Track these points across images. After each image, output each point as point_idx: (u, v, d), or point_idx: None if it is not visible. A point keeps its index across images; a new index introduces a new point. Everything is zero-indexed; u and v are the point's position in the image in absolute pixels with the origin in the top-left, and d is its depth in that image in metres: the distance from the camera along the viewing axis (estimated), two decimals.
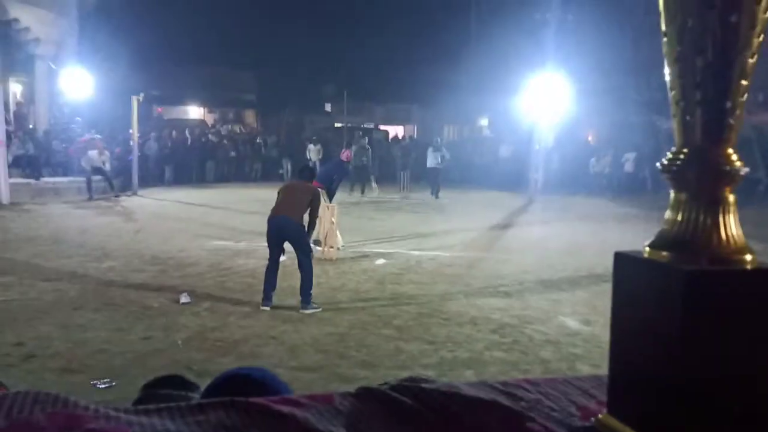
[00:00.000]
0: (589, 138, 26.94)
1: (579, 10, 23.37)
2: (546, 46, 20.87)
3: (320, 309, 7.00)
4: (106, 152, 17.33)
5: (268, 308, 6.97)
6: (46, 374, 5.06)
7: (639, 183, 22.03)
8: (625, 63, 24.94)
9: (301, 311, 6.89)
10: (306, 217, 7.28)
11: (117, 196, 16.69)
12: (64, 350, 5.60)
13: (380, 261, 9.61)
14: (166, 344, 5.82)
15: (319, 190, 7.98)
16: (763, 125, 19.74)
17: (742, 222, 0.84)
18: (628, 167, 22.35)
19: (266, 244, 7.27)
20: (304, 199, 7.22)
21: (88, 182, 16.63)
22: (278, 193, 7.45)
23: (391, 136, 31.48)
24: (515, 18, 24.24)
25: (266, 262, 7.18)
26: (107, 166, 17.31)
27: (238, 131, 30.49)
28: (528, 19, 22.69)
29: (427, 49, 32.02)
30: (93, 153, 16.96)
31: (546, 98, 19.60)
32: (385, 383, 1.18)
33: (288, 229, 7.10)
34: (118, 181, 18.70)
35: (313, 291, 7.09)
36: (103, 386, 4.81)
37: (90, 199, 16.09)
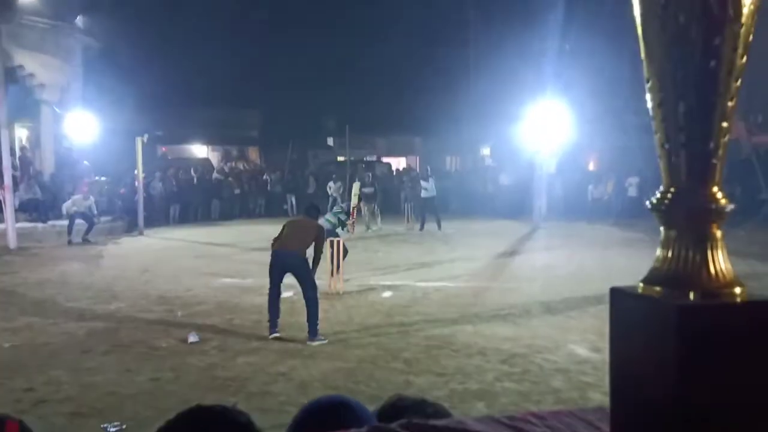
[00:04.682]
0: (591, 164, 27.01)
1: (576, 38, 23.62)
2: (545, 74, 21.08)
3: (326, 341, 7.11)
4: (92, 197, 16.65)
5: (277, 335, 7.20)
6: (57, 419, 5.06)
7: (643, 208, 21.95)
8: (623, 87, 25.10)
9: (308, 343, 7.04)
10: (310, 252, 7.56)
11: (87, 241, 15.95)
12: (75, 394, 5.61)
13: (387, 293, 9.61)
14: (175, 385, 5.82)
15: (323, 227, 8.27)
16: (764, 146, 19.80)
17: (749, 243, 0.87)
18: (632, 192, 22.31)
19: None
20: (309, 235, 7.53)
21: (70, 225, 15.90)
22: (283, 227, 7.69)
23: (394, 168, 31.64)
24: (513, 48, 24.49)
25: None
26: (94, 210, 16.55)
27: (242, 168, 30.68)
28: (526, 49, 22.93)
29: (428, 80, 32.32)
30: (77, 197, 16.37)
31: (546, 125, 19.72)
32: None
33: (293, 263, 7.36)
34: (123, 222, 18.73)
35: (321, 325, 7.16)
36: (113, 429, 4.81)
37: (69, 243, 15.60)
